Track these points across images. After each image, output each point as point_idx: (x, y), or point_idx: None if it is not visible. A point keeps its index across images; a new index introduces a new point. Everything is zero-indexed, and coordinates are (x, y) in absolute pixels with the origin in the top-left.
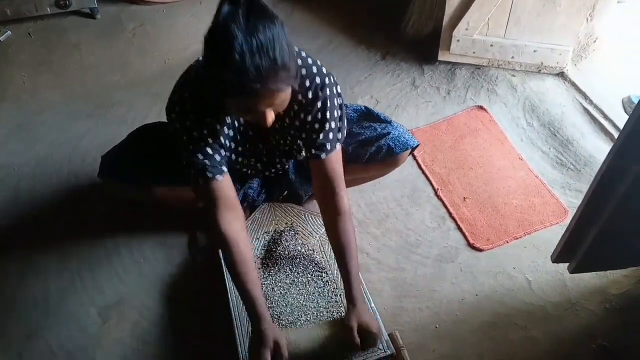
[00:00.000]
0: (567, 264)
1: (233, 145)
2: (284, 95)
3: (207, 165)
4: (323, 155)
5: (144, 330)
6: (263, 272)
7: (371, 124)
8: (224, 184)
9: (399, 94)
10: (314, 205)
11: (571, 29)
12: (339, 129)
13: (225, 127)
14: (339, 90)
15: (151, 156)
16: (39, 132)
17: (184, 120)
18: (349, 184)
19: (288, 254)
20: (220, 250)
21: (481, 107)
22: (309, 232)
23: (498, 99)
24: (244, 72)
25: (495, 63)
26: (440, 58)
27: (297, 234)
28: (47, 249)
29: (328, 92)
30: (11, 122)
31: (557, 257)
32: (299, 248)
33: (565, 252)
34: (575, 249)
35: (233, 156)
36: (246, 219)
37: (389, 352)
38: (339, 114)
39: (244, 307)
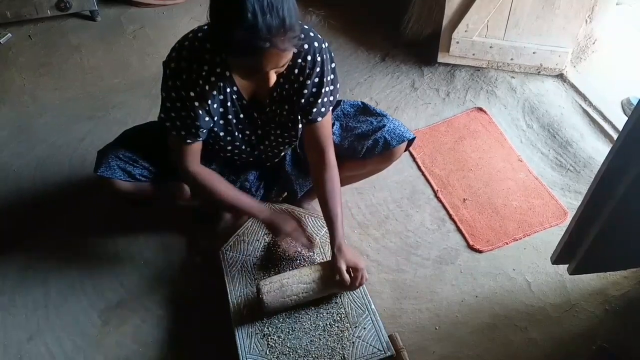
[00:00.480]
0: (566, 266)
1: (223, 111)
2: (288, 56)
3: (187, 126)
4: (319, 119)
5: (144, 332)
6: (263, 274)
7: (367, 117)
8: (196, 145)
9: (399, 95)
10: (314, 207)
11: (570, 30)
12: (331, 92)
13: (215, 92)
14: (332, 56)
15: (146, 153)
16: (39, 134)
17: (175, 79)
18: (346, 181)
19: (288, 256)
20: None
21: (481, 109)
22: (309, 234)
23: (497, 100)
24: (255, 31)
25: (494, 65)
26: (439, 60)
27: None
28: (47, 251)
29: (325, 56)
30: (11, 124)
31: (557, 259)
32: (299, 250)
33: (565, 253)
34: (575, 251)
35: (221, 122)
36: (246, 221)
37: (389, 353)
38: (332, 78)
39: (244, 308)
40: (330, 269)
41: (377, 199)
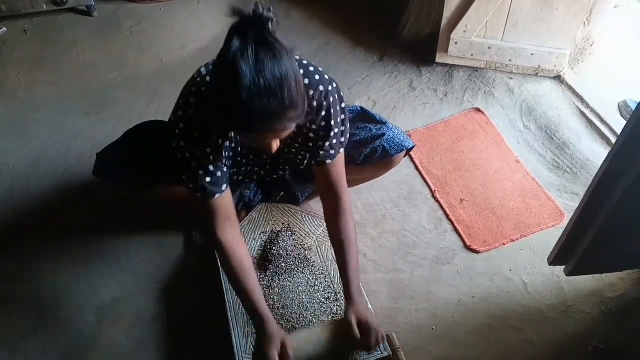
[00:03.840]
0: (563, 267)
1: (233, 155)
2: (290, 130)
3: (208, 182)
4: (328, 161)
5: (139, 330)
6: (259, 272)
7: (366, 124)
8: (224, 199)
9: (396, 95)
10: (310, 206)
11: (568, 32)
12: (342, 133)
13: (227, 142)
14: (342, 94)
15: (147, 154)
16: (34, 130)
17: (188, 137)
18: None
19: (284, 254)
20: (217, 257)
21: (478, 109)
22: (306, 233)
23: (495, 101)
24: (251, 114)
25: (492, 65)
26: (437, 60)
27: (294, 234)
28: (41, 248)
29: (331, 99)
30: (5, 120)
31: (554, 260)
32: (296, 248)
33: (562, 254)
34: (572, 252)
35: (235, 166)
36: (242, 219)
37: (385, 353)
38: (342, 119)
39: (241, 307)
40: (341, 324)
41: (374, 198)
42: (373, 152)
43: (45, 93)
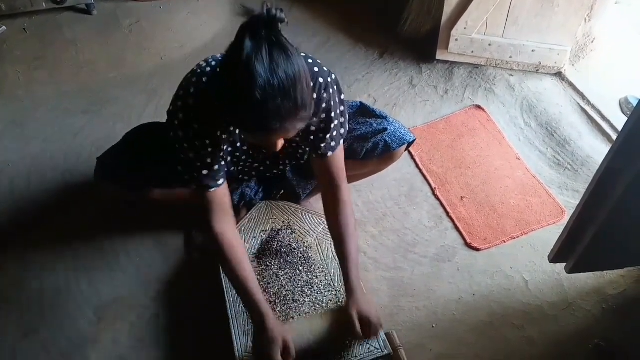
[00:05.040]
0: (564, 264)
1: (232, 151)
2: (298, 130)
3: (204, 175)
4: (329, 154)
5: (139, 329)
6: (259, 269)
7: (367, 119)
8: (220, 192)
9: (397, 92)
10: (312, 204)
11: (569, 29)
12: (342, 125)
13: (226, 135)
14: (340, 87)
15: (147, 158)
16: (34, 128)
17: (187, 129)
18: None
19: (284, 252)
20: (213, 249)
21: (479, 107)
22: (306, 231)
23: (496, 98)
24: (264, 113)
25: (493, 62)
26: (438, 57)
27: (294, 232)
28: (42, 247)
29: (331, 91)
30: (5, 119)
31: (555, 257)
32: (296, 246)
33: (563, 252)
34: (573, 249)
35: (234, 160)
36: (243, 217)
37: (386, 351)
38: (342, 110)
39: (241, 305)
40: (341, 316)
41: (375, 196)
42: (375, 147)
43: (45, 92)
